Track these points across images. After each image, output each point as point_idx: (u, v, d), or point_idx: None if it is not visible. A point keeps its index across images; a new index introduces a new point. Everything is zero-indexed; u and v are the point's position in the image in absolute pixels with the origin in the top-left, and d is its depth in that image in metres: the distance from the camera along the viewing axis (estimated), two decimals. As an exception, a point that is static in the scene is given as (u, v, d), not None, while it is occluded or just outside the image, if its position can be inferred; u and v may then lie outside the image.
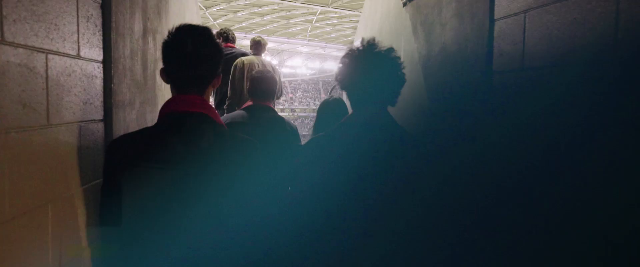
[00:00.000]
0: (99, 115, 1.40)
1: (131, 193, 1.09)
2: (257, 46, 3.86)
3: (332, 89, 8.02)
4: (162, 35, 2.26)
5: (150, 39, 1.98)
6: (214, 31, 4.37)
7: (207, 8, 22.89)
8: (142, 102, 1.85)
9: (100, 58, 1.41)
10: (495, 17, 1.59)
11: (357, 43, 1.40)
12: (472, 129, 1.74)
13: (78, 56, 1.25)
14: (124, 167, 1.10)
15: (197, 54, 1.16)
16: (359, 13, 24.79)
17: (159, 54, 2.17)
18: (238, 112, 2.22)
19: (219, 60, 1.23)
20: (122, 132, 1.58)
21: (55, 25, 1.12)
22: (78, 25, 1.25)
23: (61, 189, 1.16)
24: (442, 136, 2.04)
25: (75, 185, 1.24)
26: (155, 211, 1.09)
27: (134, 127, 1.74)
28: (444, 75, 2.05)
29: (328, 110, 2.34)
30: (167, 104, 1.18)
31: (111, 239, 1.15)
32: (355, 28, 30.12)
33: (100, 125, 1.41)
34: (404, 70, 1.32)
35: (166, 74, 1.20)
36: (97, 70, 1.39)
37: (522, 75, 1.43)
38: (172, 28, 1.18)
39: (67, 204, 1.20)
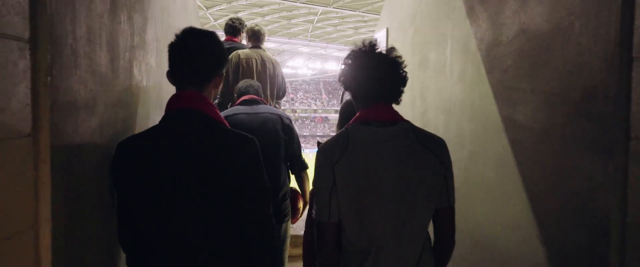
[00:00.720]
0: (24, 126, 0.86)
1: (139, 192, 1.17)
2: (256, 37, 3.30)
3: (343, 92, 7.53)
4: (143, 14, 1.71)
5: (124, 17, 1.44)
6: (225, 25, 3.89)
7: (207, 8, 22.48)
8: (109, 105, 1.31)
9: (26, 34, 0.87)
10: (639, -25, 1.05)
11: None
12: (591, 152, 1.20)
13: (-28, 26, 0.72)
14: (130, 167, 1.17)
15: (194, 50, 1.21)
16: (360, 13, 24.39)
17: (138, 40, 1.62)
18: (238, 107, 2.34)
19: (219, 58, 1.27)
20: (69, 151, 1.05)
21: None
22: (-30, -29, 0.71)
23: None
24: (525, 155, 1.50)
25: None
26: (156, 209, 1.16)
27: (95, 140, 1.20)
28: (525, 68, 1.51)
29: (352, 111, 2.08)
30: (169, 100, 1.23)
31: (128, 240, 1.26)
32: (356, 28, 29.73)
33: (27, 143, 0.87)
34: (406, 69, 1.30)
35: (170, 75, 1.25)
36: (18, 53, 0.85)
37: None
38: (179, 31, 1.23)
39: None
